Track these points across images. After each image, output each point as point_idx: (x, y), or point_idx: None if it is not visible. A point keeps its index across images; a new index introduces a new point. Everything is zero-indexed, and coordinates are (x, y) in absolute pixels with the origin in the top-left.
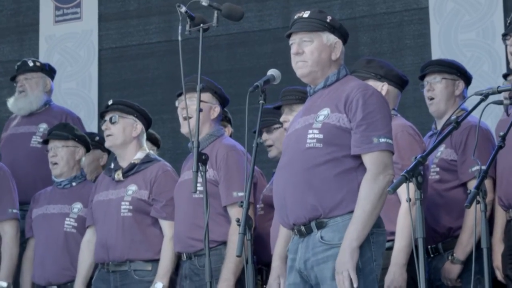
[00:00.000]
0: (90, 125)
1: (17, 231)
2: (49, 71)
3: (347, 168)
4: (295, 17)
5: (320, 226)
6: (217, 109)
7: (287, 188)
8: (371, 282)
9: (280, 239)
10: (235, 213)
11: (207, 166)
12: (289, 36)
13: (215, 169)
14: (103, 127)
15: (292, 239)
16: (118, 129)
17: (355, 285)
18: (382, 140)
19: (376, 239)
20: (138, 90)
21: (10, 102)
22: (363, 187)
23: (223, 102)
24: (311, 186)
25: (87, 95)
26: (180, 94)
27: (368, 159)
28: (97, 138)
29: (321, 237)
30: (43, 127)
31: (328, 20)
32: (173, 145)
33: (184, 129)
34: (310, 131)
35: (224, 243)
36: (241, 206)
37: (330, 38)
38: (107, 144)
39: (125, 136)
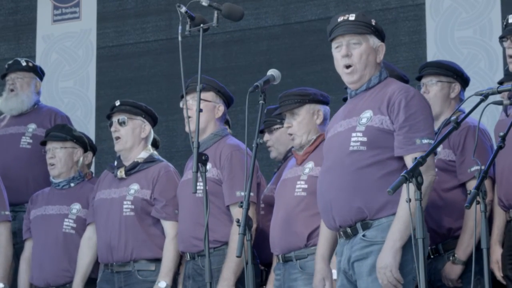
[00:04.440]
0: (88, 124)
1: (10, 233)
2: (40, 73)
3: (392, 170)
4: (339, 20)
5: (366, 227)
6: (221, 108)
7: (332, 191)
8: (408, 282)
9: (321, 240)
10: (238, 212)
11: (211, 166)
12: (331, 39)
13: (219, 169)
14: (112, 129)
15: (339, 242)
16: (127, 131)
17: (400, 285)
18: (425, 141)
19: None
20: (134, 89)
21: (0, 102)
22: (405, 188)
23: (227, 101)
24: (357, 189)
25: (85, 94)
26: (183, 95)
27: (411, 160)
28: None
29: (364, 235)
30: (32, 127)
31: (373, 23)
32: (168, 144)
33: (188, 128)
34: (354, 134)
35: (227, 243)
36: (241, 206)
37: (375, 41)
38: (117, 148)
39: (134, 138)
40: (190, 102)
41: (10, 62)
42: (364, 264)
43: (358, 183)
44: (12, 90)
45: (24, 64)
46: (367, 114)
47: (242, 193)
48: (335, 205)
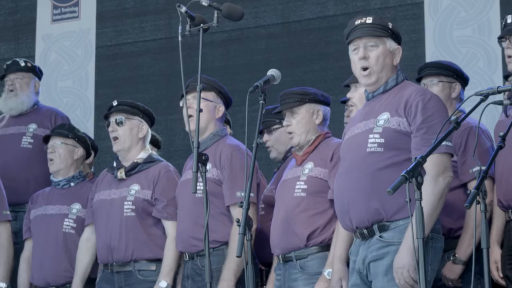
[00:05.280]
0: (87, 124)
1: (10, 232)
2: (38, 73)
3: None
4: (356, 23)
5: (382, 229)
6: (221, 109)
7: (349, 193)
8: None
9: (339, 242)
10: (238, 213)
11: (211, 166)
12: (348, 41)
13: (219, 169)
14: (109, 129)
15: (354, 242)
16: (124, 131)
17: (417, 285)
18: (443, 143)
19: (435, 245)
20: (133, 88)
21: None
22: (423, 189)
23: (226, 102)
24: (374, 190)
25: (83, 94)
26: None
27: (428, 162)
28: None
29: (380, 236)
30: (33, 127)
31: (390, 27)
32: (166, 143)
33: (188, 128)
34: (371, 136)
35: (227, 243)
36: (241, 206)
37: (392, 44)
38: (115, 149)
39: (132, 138)
40: (190, 101)
41: (8, 62)
42: (380, 264)
43: (376, 184)
44: (11, 91)
45: (23, 64)
46: (384, 116)
47: (243, 194)
48: (352, 206)
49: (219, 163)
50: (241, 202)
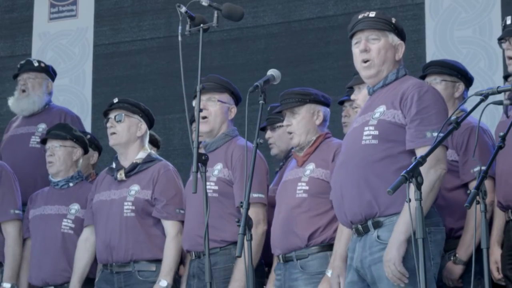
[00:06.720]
0: (84, 122)
1: (19, 232)
2: (52, 73)
3: (404, 165)
4: (360, 17)
5: (377, 225)
6: (234, 110)
7: (344, 185)
8: (428, 280)
9: (341, 239)
10: (249, 213)
11: (222, 166)
12: (351, 36)
13: (230, 169)
14: (108, 125)
15: (352, 238)
16: (123, 128)
17: (405, 278)
18: (436, 134)
19: (434, 238)
20: (130, 87)
21: (11, 102)
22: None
23: (237, 101)
24: (368, 182)
25: (80, 92)
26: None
27: (421, 153)
28: (88, 136)
29: (378, 237)
30: (42, 127)
31: (393, 21)
32: (164, 142)
33: (203, 128)
34: (366, 128)
35: (234, 243)
36: (241, 206)
37: (394, 39)
38: (111, 143)
39: (130, 135)
40: (204, 103)
41: (22, 62)
42: (383, 267)
43: (370, 176)
44: (23, 91)
45: (36, 64)
46: (381, 109)
47: (255, 195)
48: (346, 199)
49: (231, 163)
50: (241, 202)
